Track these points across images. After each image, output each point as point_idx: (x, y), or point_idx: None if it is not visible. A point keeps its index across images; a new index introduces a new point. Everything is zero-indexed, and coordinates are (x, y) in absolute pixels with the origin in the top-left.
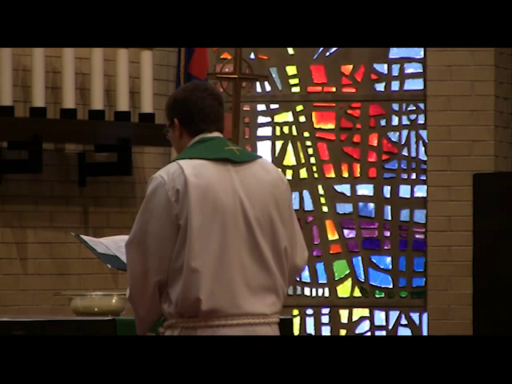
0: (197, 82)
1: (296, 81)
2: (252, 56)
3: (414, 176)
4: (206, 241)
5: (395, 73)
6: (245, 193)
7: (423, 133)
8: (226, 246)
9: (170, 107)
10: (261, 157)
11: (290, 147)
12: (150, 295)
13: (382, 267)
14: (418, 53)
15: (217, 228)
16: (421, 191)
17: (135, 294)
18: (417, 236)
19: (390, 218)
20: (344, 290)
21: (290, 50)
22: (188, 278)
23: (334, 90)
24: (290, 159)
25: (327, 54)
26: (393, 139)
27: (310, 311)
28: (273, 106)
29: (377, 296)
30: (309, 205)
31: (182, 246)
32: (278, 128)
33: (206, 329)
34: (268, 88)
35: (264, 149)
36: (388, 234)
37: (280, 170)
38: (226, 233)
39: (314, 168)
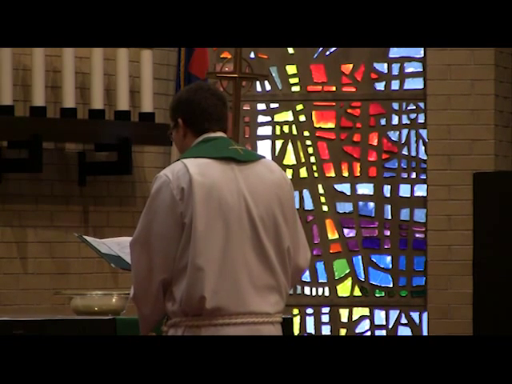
0: (200, 82)
1: (296, 80)
2: (252, 55)
3: (414, 175)
4: (211, 239)
5: (395, 72)
6: (249, 192)
7: (423, 132)
8: (230, 245)
9: (173, 108)
10: (264, 157)
11: (290, 146)
12: (155, 294)
13: (382, 266)
14: (418, 52)
15: (221, 227)
16: (421, 190)
17: (139, 294)
18: (417, 235)
19: (390, 217)
20: (344, 289)
21: (290, 50)
22: (192, 276)
23: (334, 89)
24: (290, 158)
25: (327, 53)
26: (393, 138)
27: (310, 310)
28: (273, 105)
29: (377, 295)
30: (309, 204)
31: (186, 245)
32: (278, 127)
33: (210, 327)
34: (268, 87)
35: (264, 148)
36: (388, 233)
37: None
38: (230, 231)
39: (314, 167)
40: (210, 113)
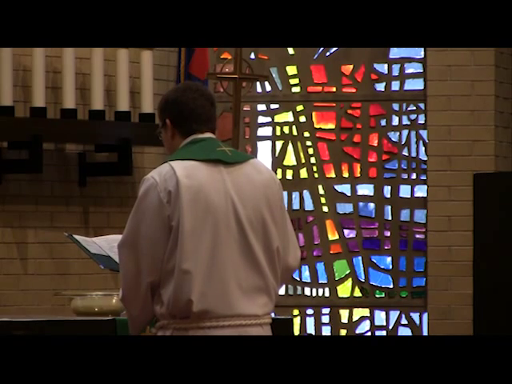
0: (189, 82)
1: (296, 81)
2: (252, 56)
3: (414, 176)
4: (198, 242)
5: (395, 73)
6: (237, 194)
7: (423, 133)
8: (217, 247)
9: (161, 108)
10: (253, 157)
11: (290, 147)
12: (143, 296)
13: (382, 267)
14: (419, 53)
15: (209, 229)
16: (421, 191)
17: (128, 295)
18: (417, 236)
19: (390, 218)
20: (344, 289)
21: (290, 50)
22: (179, 279)
23: (334, 89)
24: (290, 159)
25: (327, 53)
26: (393, 139)
27: (310, 311)
28: (273, 106)
29: (377, 296)
30: (309, 205)
31: (173, 248)
32: (278, 128)
33: (198, 330)
34: (268, 88)
35: (264, 149)
36: (388, 233)
37: (280, 169)
38: (217, 234)
39: (315, 168)
40: (199, 114)
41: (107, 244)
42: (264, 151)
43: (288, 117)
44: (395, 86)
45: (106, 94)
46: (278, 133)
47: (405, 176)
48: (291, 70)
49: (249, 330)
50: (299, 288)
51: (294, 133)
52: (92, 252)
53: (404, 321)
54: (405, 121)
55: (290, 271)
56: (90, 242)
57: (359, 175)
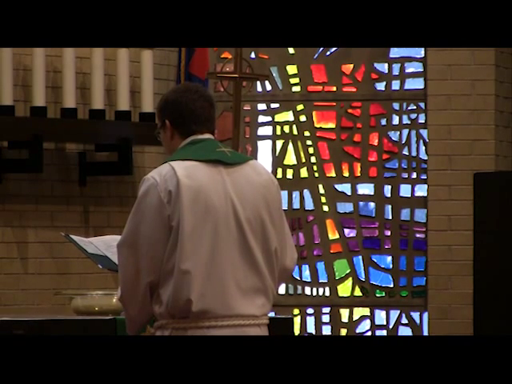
0: (188, 83)
1: (296, 80)
2: (252, 55)
3: (414, 175)
4: (198, 242)
5: (396, 72)
6: (236, 195)
7: (424, 132)
8: (217, 248)
9: (161, 108)
10: (252, 158)
11: (290, 146)
12: (142, 296)
13: (382, 266)
14: (419, 52)
15: (208, 230)
16: (421, 190)
17: (126, 295)
18: (417, 235)
19: (390, 218)
20: (344, 289)
21: (291, 50)
22: (179, 279)
23: (334, 89)
24: (290, 158)
25: (328, 53)
26: (393, 138)
27: (310, 310)
28: (273, 106)
29: (377, 295)
30: (309, 204)
31: (173, 248)
32: (278, 127)
33: (197, 330)
34: (268, 87)
35: (264, 148)
36: (388, 233)
37: (280, 169)
38: (217, 234)
39: (315, 167)
40: (198, 115)
41: (104, 244)
42: (264, 150)
43: (288, 116)
44: (395, 85)
45: (106, 94)
46: (279, 132)
47: (405, 175)
48: (291, 69)
49: (247, 330)
50: (299, 287)
51: (295, 132)
52: (89, 252)
53: (404, 320)
54: (405, 120)
55: (287, 272)
56: (87, 242)
57: (359, 174)
